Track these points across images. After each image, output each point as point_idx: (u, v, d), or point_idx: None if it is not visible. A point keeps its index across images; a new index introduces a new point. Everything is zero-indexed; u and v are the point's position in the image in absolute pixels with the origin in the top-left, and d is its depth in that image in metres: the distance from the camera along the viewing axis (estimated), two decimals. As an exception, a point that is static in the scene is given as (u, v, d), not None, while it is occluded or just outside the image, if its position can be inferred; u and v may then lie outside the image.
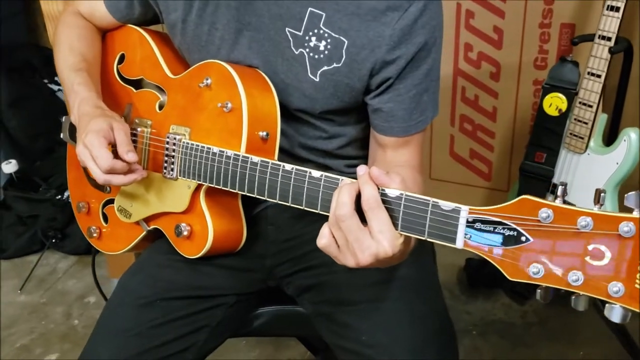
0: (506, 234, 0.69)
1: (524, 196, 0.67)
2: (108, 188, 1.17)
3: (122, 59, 1.16)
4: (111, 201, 1.17)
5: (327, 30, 0.95)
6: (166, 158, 1.04)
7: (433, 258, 1.19)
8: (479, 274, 2.04)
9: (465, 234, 0.71)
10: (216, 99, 0.98)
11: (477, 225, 0.70)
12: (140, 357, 0.99)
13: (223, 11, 1.00)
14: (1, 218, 2.41)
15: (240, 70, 0.98)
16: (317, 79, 0.98)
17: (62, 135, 1.18)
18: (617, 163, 1.63)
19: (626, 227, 0.62)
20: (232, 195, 1.01)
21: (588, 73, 1.65)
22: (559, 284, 0.66)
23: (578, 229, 0.64)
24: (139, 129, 1.10)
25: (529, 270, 0.67)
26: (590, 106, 1.66)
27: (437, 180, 2.39)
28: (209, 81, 0.99)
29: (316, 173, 0.84)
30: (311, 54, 0.97)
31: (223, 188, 0.96)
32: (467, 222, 0.71)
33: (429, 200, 0.74)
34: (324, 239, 0.79)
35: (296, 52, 0.97)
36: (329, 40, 0.95)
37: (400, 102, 0.97)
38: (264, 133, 0.96)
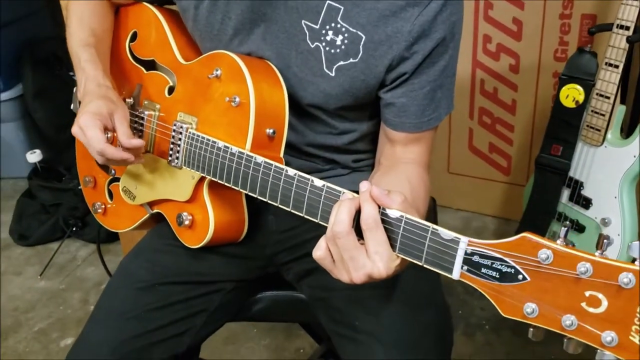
0: (504, 270, 0.68)
1: (524, 234, 0.66)
2: (112, 170, 1.18)
3: (134, 36, 1.15)
4: (117, 179, 1.18)
5: (344, 24, 0.93)
6: (172, 146, 1.04)
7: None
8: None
9: (462, 266, 0.70)
10: (225, 92, 0.97)
11: (475, 258, 0.69)
12: (137, 340, 1.00)
13: (237, 1, 0.98)
14: (26, 206, 2.47)
15: (250, 63, 0.96)
16: (333, 74, 0.96)
17: (72, 106, 1.19)
18: (635, 156, 1.59)
19: (626, 279, 0.60)
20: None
21: (606, 64, 1.61)
22: (552, 326, 0.65)
23: (577, 274, 0.63)
24: (147, 112, 1.09)
25: (523, 309, 0.66)
26: (608, 97, 1.62)
27: (456, 175, 2.37)
28: (218, 72, 0.97)
29: (318, 182, 0.82)
30: (327, 48, 0.94)
31: (225, 184, 0.96)
32: (466, 253, 0.70)
33: (429, 227, 0.72)
34: (319, 251, 0.78)
35: (312, 46, 0.95)
36: (346, 35, 0.93)
37: (414, 98, 0.95)
38: (271, 130, 0.95)
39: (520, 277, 0.66)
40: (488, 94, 2.17)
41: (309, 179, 0.83)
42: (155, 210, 1.12)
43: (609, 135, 1.65)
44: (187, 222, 1.02)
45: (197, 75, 1.03)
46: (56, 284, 2.19)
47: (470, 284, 0.70)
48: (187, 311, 1.04)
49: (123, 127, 1.00)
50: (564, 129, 1.72)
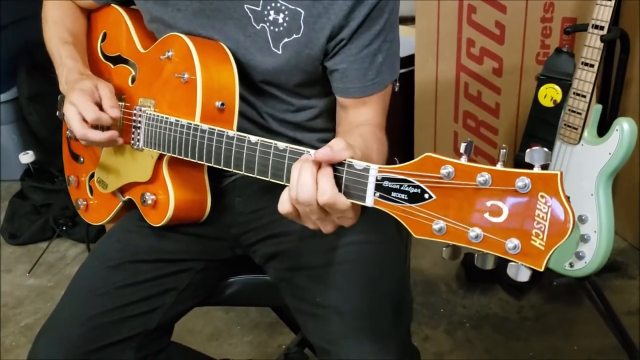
0: (411, 192, 0.69)
1: (427, 154, 0.68)
2: (82, 158, 1.22)
3: (104, 37, 1.22)
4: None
5: (284, 2, 0.98)
6: (133, 129, 1.08)
7: (398, 229, 1.19)
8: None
9: (375, 192, 0.72)
10: (175, 70, 1.01)
11: (385, 183, 0.71)
12: (106, 315, 1.02)
13: None
14: (18, 207, 2.49)
15: (199, 42, 1.01)
16: (280, 52, 1.00)
17: (57, 114, 1.24)
18: (610, 153, 1.61)
19: (521, 183, 0.61)
20: (196, 166, 1.04)
21: (582, 63, 1.64)
22: (460, 241, 0.66)
23: (477, 185, 0.64)
24: None
25: (432, 227, 0.67)
26: (584, 96, 1.65)
27: (442, 178, 2.39)
28: (170, 54, 1.02)
29: (254, 138, 0.85)
30: (272, 28, 1.00)
31: (178, 156, 0.99)
32: (377, 180, 0.72)
33: (344, 161, 0.75)
34: (285, 206, 0.78)
35: (257, 27, 1.00)
36: (286, 13, 0.98)
37: (353, 62, 0.99)
38: (220, 103, 0.98)
39: (426, 196, 0.68)
40: (472, 98, 2.21)
41: (246, 137, 0.86)
42: (126, 197, 1.15)
43: (585, 134, 1.68)
44: (149, 202, 1.06)
45: (153, 60, 1.08)
46: (45, 282, 2.21)
47: (384, 209, 0.72)
48: (157, 289, 1.07)
49: (108, 94, 1.04)
50: (542, 128, 1.75)
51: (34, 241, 2.42)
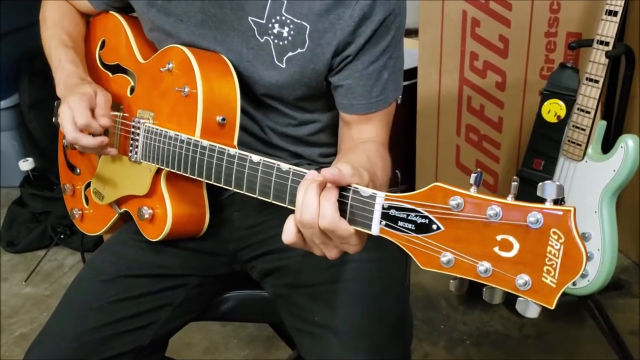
0: (418, 222, 0.67)
1: (436, 183, 0.66)
2: (78, 170, 1.21)
3: (103, 44, 1.20)
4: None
5: (289, 16, 0.96)
6: (131, 141, 1.07)
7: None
8: (479, 284, 2.00)
9: (381, 221, 0.70)
10: (175, 84, 1.00)
11: (392, 212, 0.69)
12: (99, 330, 1.00)
13: (188, 3, 1.02)
14: (16, 214, 2.48)
15: (200, 55, 1.00)
16: (284, 66, 0.99)
17: (54, 120, 1.22)
18: (614, 170, 1.60)
19: (533, 218, 0.60)
20: (195, 181, 1.02)
21: (586, 79, 1.63)
22: (468, 275, 0.64)
23: (487, 218, 0.62)
24: (112, 113, 1.11)
25: (440, 259, 0.66)
26: (588, 112, 1.63)
27: (444, 191, 2.37)
28: (170, 66, 1.01)
29: (256, 157, 0.83)
30: (276, 41, 0.98)
31: (177, 172, 0.97)
32: (383, 208, 0.70)
33: (350, 187, 0.73)
34: (289, 237, 0.75)
35: (261, 40, 0.99)
36: (291, 26, 0.97)
37: (359, 79, 0.98)
38: (221, 118, 0.96)
39: (434, 226, 0.66)
40: (475, 111, 2.19)
41: (247, 156, 0.84)
42: (123, 209, 1.13)
43: (589, 150, 1.66)
44: (147, 216, 1.04)
45: (153, 71, 1.06)
46: (41, 291, 2.19)
47: (390, 238, 0.70)
48: (152, 304, 1.05)
49: (103, 103, 1.03)
50: (545, 143, 1.73)
51: (32, 249, 2.40)
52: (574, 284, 1.84)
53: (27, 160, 2.44)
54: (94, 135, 1.03)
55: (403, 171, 2.54)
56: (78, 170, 1.24)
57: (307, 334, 0.96)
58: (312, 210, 0.71)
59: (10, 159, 2.79)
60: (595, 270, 1.64)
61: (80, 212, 1.25)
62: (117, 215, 1.16)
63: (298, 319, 1.00)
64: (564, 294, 1.93)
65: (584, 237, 1.66)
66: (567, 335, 1.85)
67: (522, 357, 1.77)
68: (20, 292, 2.19)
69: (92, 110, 1.02)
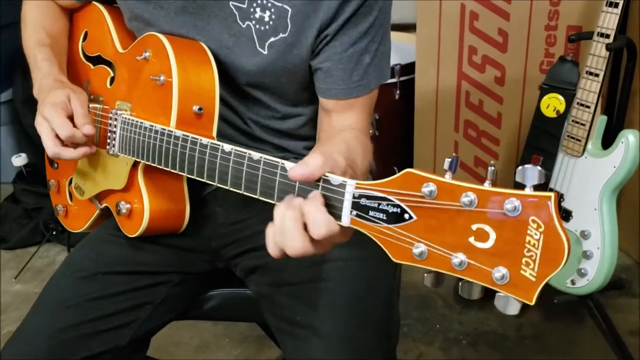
0: (390, 211, 0.62)
1: (408, 169, 0.61)
2: (56, 164, 1.17)
3: (85, 36, 1.17)
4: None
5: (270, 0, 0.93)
6: (109, 134, 1.03)
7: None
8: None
9: (351, 211, 0.66)
10: (151, 72, 0.96)
11: (363, 201, 0.64)
12: (75, 328, 0.97)
13: None
14: (9, 210, 2.45)
15: (177, 42, 0.96)
16: (266, 52, 0.95)
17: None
18: (615, 167, 1.55)
19: (510, 205, 0.55)
20: (174, 174, 0.97)
21: (587, 72, 1.58)
22: (442, 268, 0.59)
23: (462, 206, 0.57)
24: (91, 105, 1.09)
25: (412, 251, 0.61)
26: (588, 107, 1.59)
27: (442, 188, 2.33)
28: (147, 54, 0.97)
29: (256, 155, 0.77)
30: (257, 26, 0.94)
31: (152, 164, 0.93)
32: (354, 197, 0.65)
33: (321, 177, 0.68)
34: (274, 251, 0.71)
35: (243, 26, 0.95)
36: (272, 10, 0.93)
37: (338, 61, 0.94)
38: (197, 107, 0.92)
39: (406, 216, 0.61)
40: (473, 107, 2.15)
41: (245, 153, 0.78)
42: (103, 205, 1.10)
43: (589, 146, 1.62)
44: (124, 211, 1.00)
45: (130, 61, 1.02)
46: (31, 288, 2.15)
47: (361, 229, 0.65)
48: (131, 302, 1.01)
49: (80, 109, 0.99)
50: (544, 139, 1.69)
51: (23, 245, 2.37)
52: (573, 283, 1.79)
53: (20, 155, 2.41)
54: (78, 143, 0.99)
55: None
56: (56, 165, 1.20)
57: (289, 334, 0.93)
58: (298, 243, 0.67)
59: (5, 154, 2.77)
60: (595, 269, 1.60)
61: (65, 208, 1.22)
62: (98, 211, 1.12)
63: (280, 318, 0.96)
64: (563, 293, 1.87)
65: (583, 236, 1.62)
66: (565, 335, 1.81)
67: (519, 358, 1.73)
68: (10, 289, 2.16)
69: (70, 116, 0.98)
